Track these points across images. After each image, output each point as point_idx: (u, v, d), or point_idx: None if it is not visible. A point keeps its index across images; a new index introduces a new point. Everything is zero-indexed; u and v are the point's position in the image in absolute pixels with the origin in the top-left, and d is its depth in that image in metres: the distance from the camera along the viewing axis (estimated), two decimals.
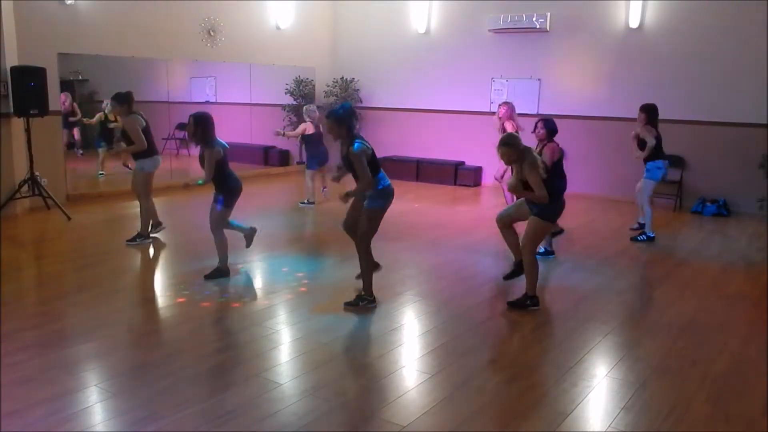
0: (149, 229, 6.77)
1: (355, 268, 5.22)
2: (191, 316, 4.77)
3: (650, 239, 7.26)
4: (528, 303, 4.99)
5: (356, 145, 4.64)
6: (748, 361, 4.13)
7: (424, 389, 3.64)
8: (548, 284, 5.82)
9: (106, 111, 10.33)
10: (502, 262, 6.26)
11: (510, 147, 4.80)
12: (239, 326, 4.58)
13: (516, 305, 5.00)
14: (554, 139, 6.11)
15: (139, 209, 6.76)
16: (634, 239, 7.32)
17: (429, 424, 3.24)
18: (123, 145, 6.70)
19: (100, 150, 10.50)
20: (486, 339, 4.49)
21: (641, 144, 7.28)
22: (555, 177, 5.95)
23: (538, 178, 4.74)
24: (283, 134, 9.32)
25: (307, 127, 8.80)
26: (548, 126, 6.08)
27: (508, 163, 4.96)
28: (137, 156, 6.59)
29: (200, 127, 5.29)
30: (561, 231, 6.80)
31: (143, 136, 6.45)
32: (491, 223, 8.09)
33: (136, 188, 6.71)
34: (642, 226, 7.64)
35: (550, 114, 7.09)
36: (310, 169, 8.96)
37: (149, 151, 6.58)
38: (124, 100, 6.44)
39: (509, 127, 7.68)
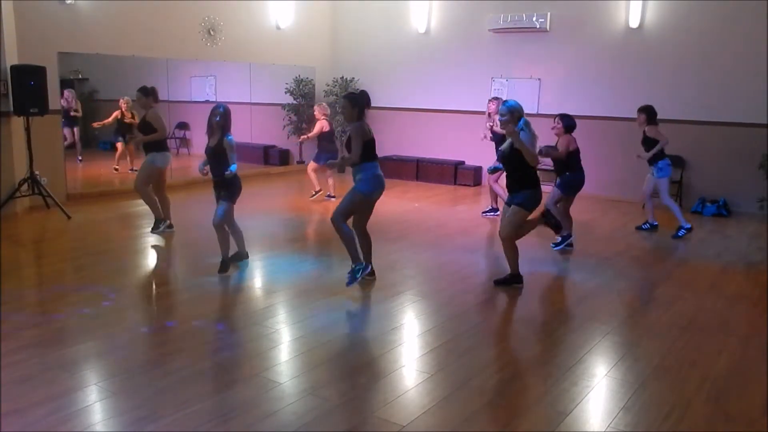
0: (159, 223, 6.93)
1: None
2: (191, 315, 4.76)
3: (689, 230, 7.42)
4: (513, 281, 5.39)
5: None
6: (748, 361, 4.12)
7: (423, 389, 3.64)
8: (549, 284, 5.82)
9: (124, 109, 10.38)
10: (501, 261, 6.24)
11: (512, 113, 5.06)
12: (239, 326, 4.58)
13: (502, 282, 5.43)
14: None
15: (145, 204, 6.84)
16: (674, 236, 7.43)
17: (429, 424, 3.24)
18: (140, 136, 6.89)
19: (119, 144, 10.57)
20: (486, 339, 4.49)
21: (646, 143, 7.31)
22: (564, 167, 6.62)
23: (526, 145, 5.00)
24: (307, 139, 9.53)
25: (324, 125, 8.98)
26: (565, 121, 6.62)
27: (504, 127, 5.17)
28: (150, 148, 6.75)
29: (226, 118, 5.51)
30: (569, 236, 6.84)
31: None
32: (491, 222, 8.13)
33: (138, 179, 6.83)
34: (653, 226, 7.66)
35: (551, 114, 7.10)
36: (316, 163, 9.05)
37: (163, 146, 6.81)
38: (150, 92, 6.80)
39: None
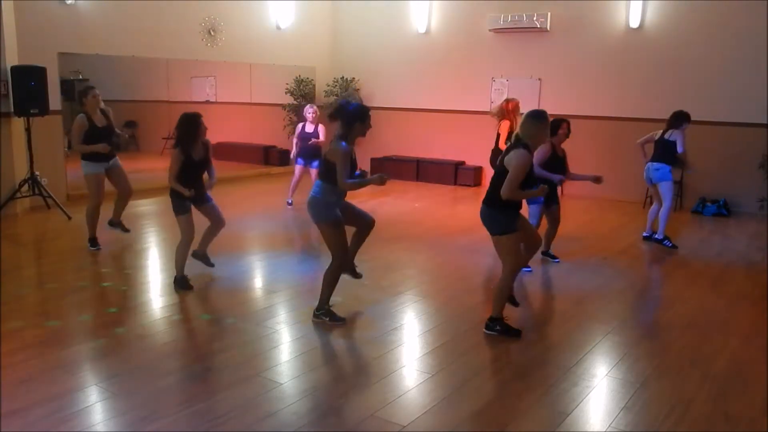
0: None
1: (359, 265, 5.18)
2: (191, 316, 4.77)
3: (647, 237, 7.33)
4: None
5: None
6: (748, 361, 4.12)
7: (424, 389, 3.64)
8: (549, 284, 5.82)
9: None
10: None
11: None
12: (239, 326, 4.58)
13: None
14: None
15: (119, 205, 6.68)
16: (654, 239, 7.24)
17: (429, 424, 3.24)
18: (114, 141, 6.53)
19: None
20: (486, 339, 4.48)
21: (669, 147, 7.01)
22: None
23: None
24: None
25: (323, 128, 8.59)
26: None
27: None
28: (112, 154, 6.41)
29: None
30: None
31: None
32: None
33: (128, 183, 6.58)
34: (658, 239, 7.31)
35: (551, 114, 7.01)
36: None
37: None
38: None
39: (505, 127, 7.66)
